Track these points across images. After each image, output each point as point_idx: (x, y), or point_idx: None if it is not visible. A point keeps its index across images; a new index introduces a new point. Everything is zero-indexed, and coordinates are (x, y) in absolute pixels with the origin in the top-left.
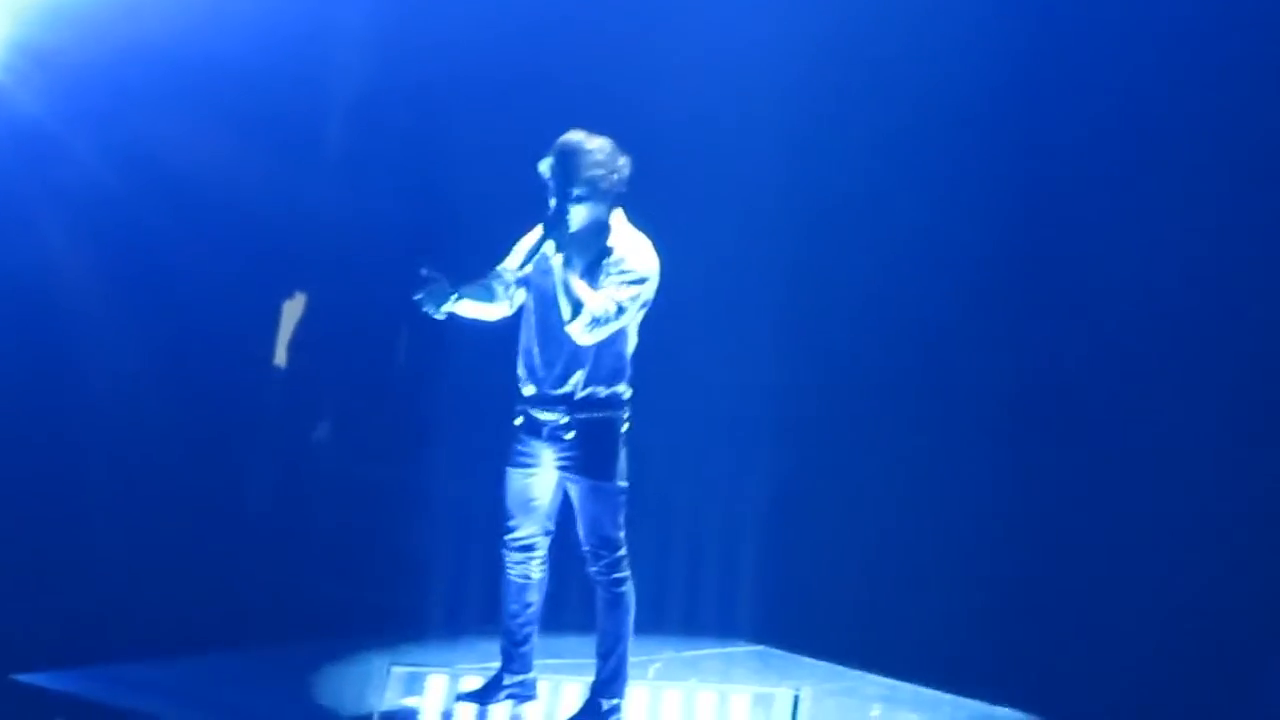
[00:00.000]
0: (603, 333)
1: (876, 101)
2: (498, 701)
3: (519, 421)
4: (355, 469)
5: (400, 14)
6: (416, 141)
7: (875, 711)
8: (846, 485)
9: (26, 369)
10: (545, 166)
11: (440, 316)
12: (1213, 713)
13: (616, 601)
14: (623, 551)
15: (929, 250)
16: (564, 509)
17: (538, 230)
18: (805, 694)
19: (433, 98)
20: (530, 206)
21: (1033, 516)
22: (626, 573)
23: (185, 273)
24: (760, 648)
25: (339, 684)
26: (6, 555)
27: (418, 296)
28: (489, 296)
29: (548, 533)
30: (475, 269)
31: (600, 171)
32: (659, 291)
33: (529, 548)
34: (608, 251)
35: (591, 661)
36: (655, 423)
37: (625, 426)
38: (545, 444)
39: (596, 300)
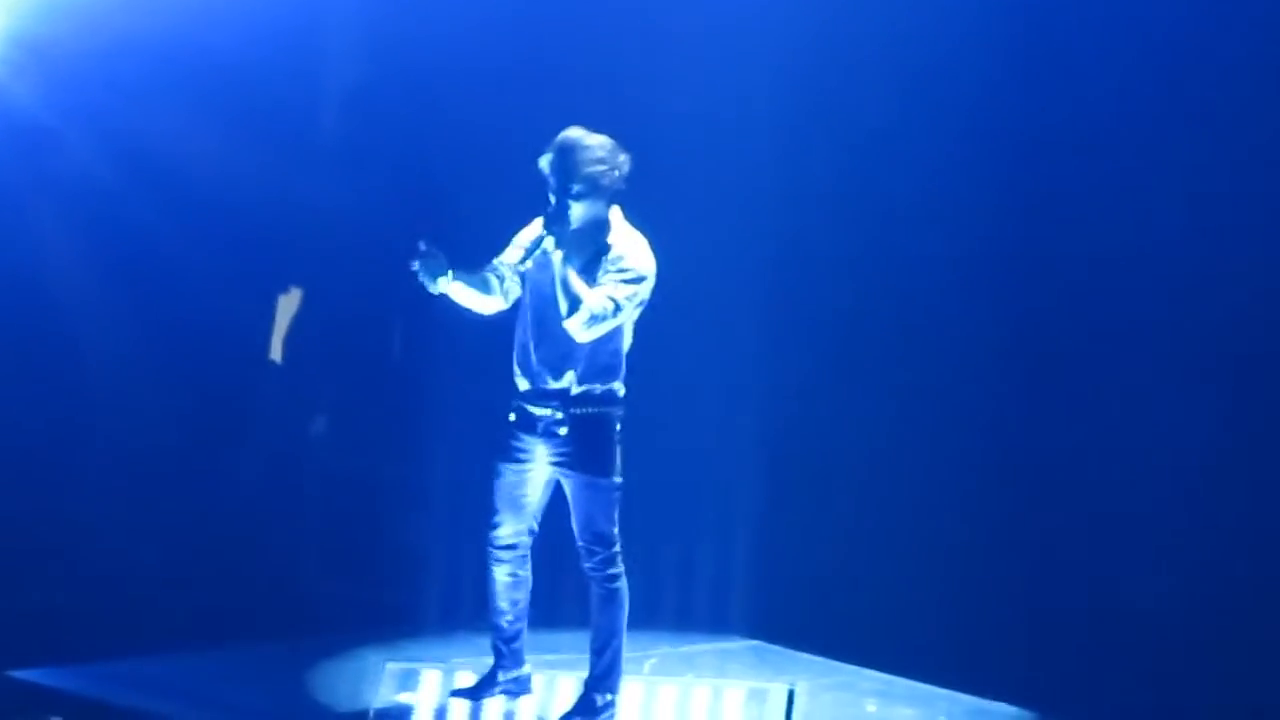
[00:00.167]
0: (600, 330)
1: (870, 99)
2: (492, 697)
3: (513, 417)
4: (350, 465)
5: (396, 6)
6: (412, 135)
7: (871, 706)
8: (841, 480)
9: (19, 362)
10: (545, 162)
11: (434, 291)
12: (1209, 707)
13: (611, 597)
14: (617, 547)
15: (924, 247)
16: (557, 506)
17: (535, 224)
18: (800, 689)
19: (428, 91)
20: (527, 200)
21: (1029, 511)
22: (621, 568)
23: (179, 266)
24: (755, 643)
25: (334, 680)
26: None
27: (415, 266)
28: (484, 288)
29: (531, 532)
30: (471, 262)
31: (601, 168)
32: (654, 289)
33: (512, 547)
34: (606, 249)
35: (586, 657)
36: (650, 419)
37: (619, 423)
38: (539, 439)
39: (595, 297)
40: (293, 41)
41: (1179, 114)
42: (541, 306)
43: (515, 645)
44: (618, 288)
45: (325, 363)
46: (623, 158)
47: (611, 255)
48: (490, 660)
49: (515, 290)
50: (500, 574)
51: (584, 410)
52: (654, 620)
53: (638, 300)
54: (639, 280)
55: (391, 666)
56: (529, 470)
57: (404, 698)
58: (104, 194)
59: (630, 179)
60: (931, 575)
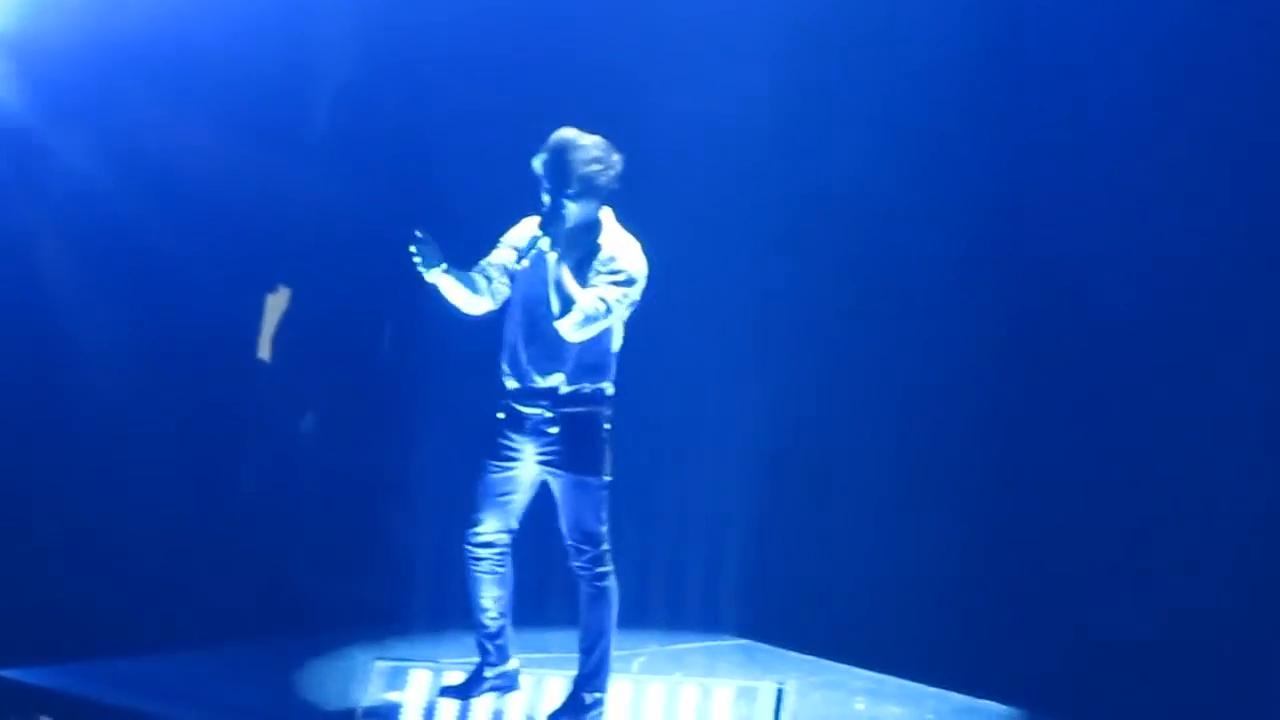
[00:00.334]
0: (591, 331)
1: (865, 96)
2: (481, 694)
3: (502, 416)
4: (339, 463)
5: (387, 2)
6: (403, 131)
7: (860, 705)
8: (831, 480)
9: (6, 360)
10: (539, 163)
11: (428, 279)
12: (1196, 706)
13: (599, 596)
14: (605, 546)
15: (918, 244)
16: (547, 504)
17: (523, 224)
18: (790, 687)
19: (418, 86)
20: (517, 198)
21: (1018, 511)
22: (609, 567)
23: (167, 263)
24: (744, 641)
25: (322, 679)
26: None
27: (413, 250)
28: (472, 286)
29: (510, 531)
30: (461, 258)
31: (596, 168)
32: (645, 287)
33: (490, 544)
34: (598, 249)
35: (574, 656)
36: (640, 418)
37: (608, 422)
38: (528, 438)
39: (587, 298)
40: (282, 35)
41: (1174, 110)
42: (531, 306)
43: (500, 641)
44: (609, 289)
45: (315, 361)
46: (616, 157)
47: (603, 256)
48: (477, 658)
49: (504, 291)
50: (479, 572)
51: (573, 409)
52: (643, 619)
53: (629, 302)
54: (630, 283)
55: (380, 665)
56: (516, 469)
57: (393, 696)
58: (93, 191)
59: (623, 178)
60: (920, 574)
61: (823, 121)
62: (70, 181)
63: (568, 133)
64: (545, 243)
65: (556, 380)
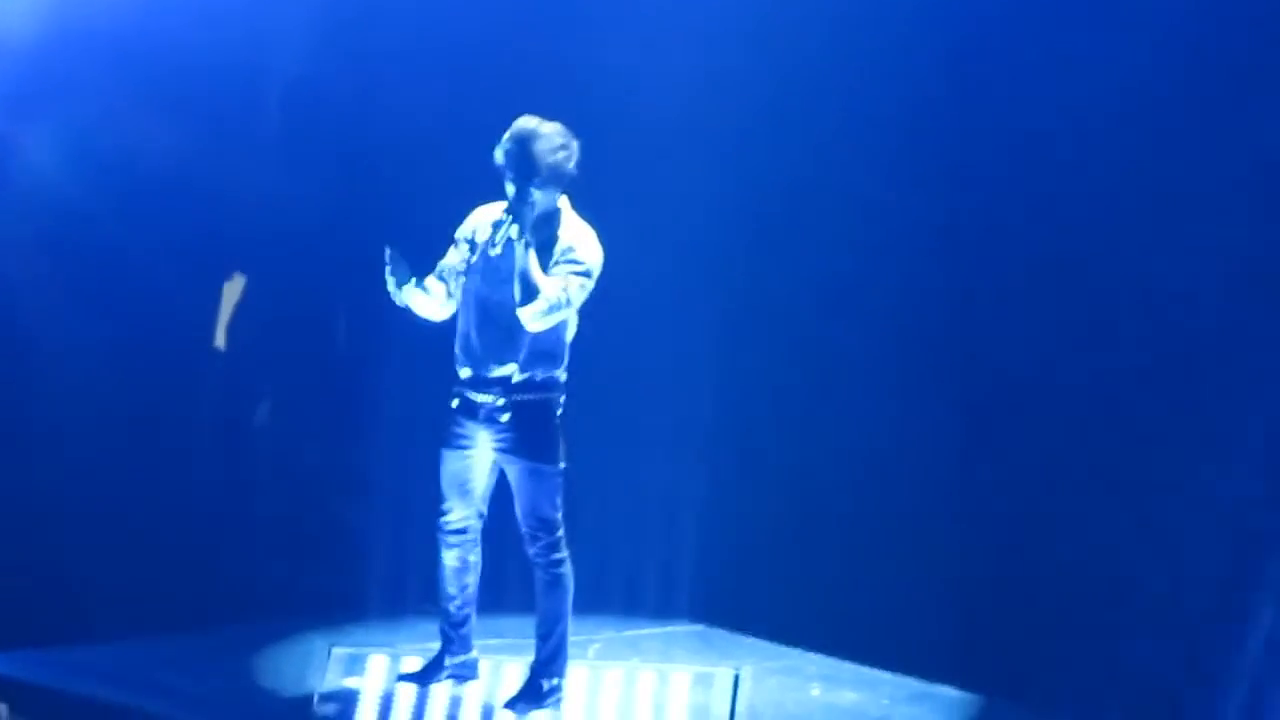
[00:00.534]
0: (553, 320)
1: (838, 85)
2: (439, 682)
3: (455, 403)
4: (294, 451)
5: None
6: (358, 123)
7: (815, 690)
8: (786, 465)
9: None
10: (502, 153)
11: (399, 302)
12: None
13: (556, 582)
14: (561, 532)
15: (878, 231)
16: (502, 491)
17: (474, 216)
18: (746, 673)
19: (375, 78)
20: (472, 187)
21: (973, 496)
22: (565, 553)
23: (123, 252)
24: (700, 627)
25: (279, 665)
26: None
27: (388, 273)
28: (441, 295)
29: (481, 516)
30: (416, 249)
31: (563, 154)
32: (601, 275)
33: (462, 531)
34: (556, 239)
35: (532, 642)
36: (595, 404)
37: (560, 410)
38: (481, 426)
39: (552, 287)
40: (238, 26)
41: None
42: (485, 293)
43: (463, 630)
44: (570, 279)
45: (271, 349)
46: (575, 144)
47: (564, 246)
48: (437, 645)
49: (460, 291)
50: (450, 559)
51: (525, 397)
52: (599, 605)
53: (586, 292)
54: (589, 275)
55: (337, 651)
56: (472, 456)
57: (350, 683)
58: (48, 182)
59: (583, 166)
60: (875, 560)
61: (791, 108)
62: (25, 173)
63: (529, 121)
64: (514, 230)
65: (510, 368)
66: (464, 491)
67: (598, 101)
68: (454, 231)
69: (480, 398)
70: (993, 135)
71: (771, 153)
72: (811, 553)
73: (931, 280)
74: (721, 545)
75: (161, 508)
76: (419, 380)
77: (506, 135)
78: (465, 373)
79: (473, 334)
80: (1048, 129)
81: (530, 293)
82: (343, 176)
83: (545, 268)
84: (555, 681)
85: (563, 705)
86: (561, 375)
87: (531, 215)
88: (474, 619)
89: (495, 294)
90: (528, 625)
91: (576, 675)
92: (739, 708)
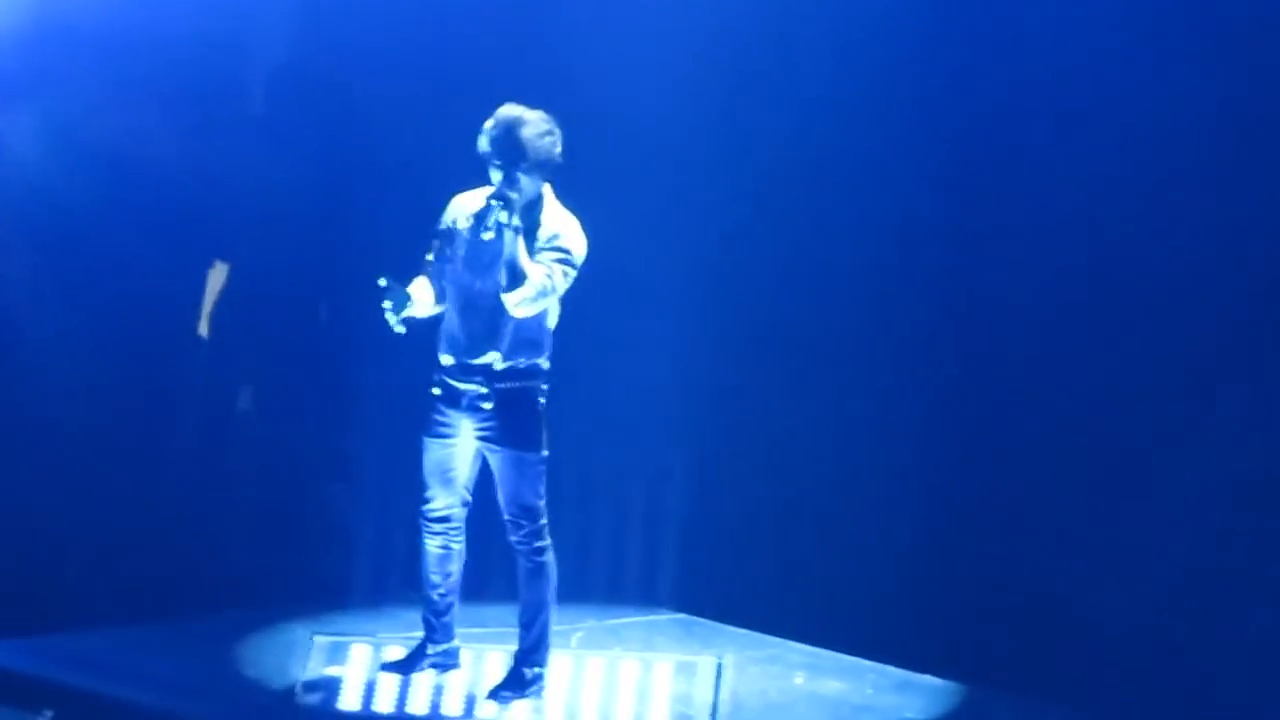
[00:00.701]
0: (538, 307)
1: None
2: (421, 670)
3: (437, 391)
4: (276, 438)
5: None
6: (340, 109)
7: (799, 679)
8: (769, 454)
9: None
10: (487, 140)
11: (400, 330)
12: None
13: (538, 570)
14: (544, 521)
15: (861, 220)
16: (484, 480)
17: (454, 205)
18: (728, 662)
19: (357, 66)
20: (454, 175)
21: (957, 485)
22: (547, 542)
23: (105, 239)
24: (683, 616)
25: (261, 654)
26: None
27: (385, 305)
28: (435, 298)
29: (465, 504)
30: (396, 238)
31: (549, 140)
32: (585, 264)
33: (445, 519)
34: (540, 225)
35: (514, 630)
36: (578, 392)
37: (543, 398)
38: (464, 414)
39: (538, 273)
40: (220, 12)
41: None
42: (468, 281)
43: (446, 619)
44: (554, 266)
45: (252, 337)
46: (559, 131)
47: (549, 233)
48: (420, 634)
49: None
50: (433, 546)
51: (508, 385)
52: (581, 593)
53: (570, 280)
54: (573, 262)
55: (319, 640)
56: (454, 444)
57: (332, 671)
58: (29, 171)
59: (566, 155)
60: (859, 549)
61: (770, 97)
62: (7, 164)
63: (513, 109)
64: (504, 216)
65: (493, 356)
66: (446, 480)
67: (581, 91)
68: (437, 221)
69: (463, 385)
70: (985, 130)
71: (757, 143)
72: (794, 542)
73: (909, 267)
74: (704, 534)
75: (143, 496)
76: (402, 368)
77: (491, 122)
78: (448, 360)
79: (455, 321)
80: (1040, 125)
81: (517, 278)
82: (327, 166)
83: (530, 254)
84: (538, 670)
85: (545, 694)
86: (544, 363)
87: (520, 200)
88: (456, 607)
89: (479, 281)
90: (510, 614)
91: (559, 664)
92: (722, 696)
